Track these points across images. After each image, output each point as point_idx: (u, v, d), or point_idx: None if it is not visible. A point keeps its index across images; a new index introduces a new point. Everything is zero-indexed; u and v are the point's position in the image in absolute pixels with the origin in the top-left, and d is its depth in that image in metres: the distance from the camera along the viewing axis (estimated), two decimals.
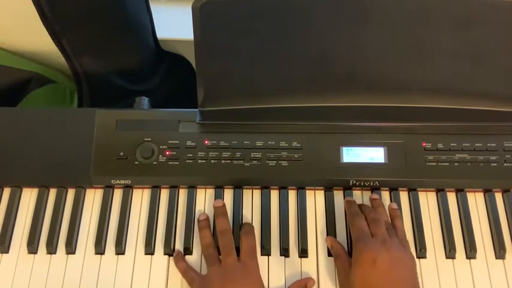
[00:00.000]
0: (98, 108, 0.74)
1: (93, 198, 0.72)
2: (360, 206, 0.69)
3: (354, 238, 0.65)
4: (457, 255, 0.68)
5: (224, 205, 0.70)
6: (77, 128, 0.73)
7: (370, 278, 0.60)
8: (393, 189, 0.72)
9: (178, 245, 0.69)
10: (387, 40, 0.65)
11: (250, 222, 0.70)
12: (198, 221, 0.70)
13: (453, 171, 0.70)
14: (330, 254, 0.68)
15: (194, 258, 0.68)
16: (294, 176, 0.71)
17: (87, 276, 0.67)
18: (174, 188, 0.72)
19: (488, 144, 0.71)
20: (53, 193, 0.72)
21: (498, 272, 0.67)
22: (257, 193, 0.72)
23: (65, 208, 0.71)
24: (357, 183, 0.71)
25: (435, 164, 0.70)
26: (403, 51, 0.66)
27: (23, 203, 0.72)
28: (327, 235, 0.69)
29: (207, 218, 0.70)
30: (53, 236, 0.69)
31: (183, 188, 0.73)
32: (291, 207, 0.71)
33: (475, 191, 0.72)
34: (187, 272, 0.66)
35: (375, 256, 0.60)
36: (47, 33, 0.75)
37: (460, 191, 0.72)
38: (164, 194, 0.73)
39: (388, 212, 0.70)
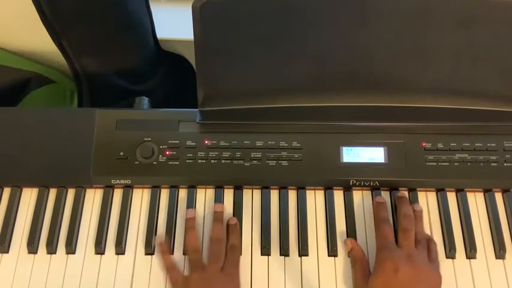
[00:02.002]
0: (98, 108, 0.74)
1: (93, 198, 0.72)
2: (400, 202, 0.68)
3: (378, 245, 0.65)
4: (457, 255, 0.68)
5: (223, 211, 0.69)
6: (77, 128, 0.73)
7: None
8: (393, 189, 0.72)
9: (178, 245, 0.69)
10: (387, 40, 0.65)
11: (250, 222, 0.70)
12: (186, 219, 0.69)
13: (453, 171, 0.70)
14: (330, 254, 0.68)
15: None
16: (294, 176, 0.71)
17: (87, 276, 0.67)
18: (174, 188, 0.72)
19: (488, 144, 0.71)
20: (53, 193, 0.72)
21: (498, 272, 0.67)
22: (257, 193, 0.72)
23: (65, 208, 0.71)
24: (357, 183, 0.71)
25: (435, 164, 0.70)
26: (403, 51, 0.66)
27: (23, 203, 0.72)
28: (327, 235, 0.69)
29: (195, 217, 0.69)
30: (53, 236, 0.69)
31: (183, 188, 0.73)
32: (291, 207, 0.71)
33: (475, 191, 0.72)
34: (172, 270, 0.65)
35: (397, 266, 0.60)
36: (47, 33, 0.75)
37: (460, 191, 0.72)
38: (164, 194, 0.72)
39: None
